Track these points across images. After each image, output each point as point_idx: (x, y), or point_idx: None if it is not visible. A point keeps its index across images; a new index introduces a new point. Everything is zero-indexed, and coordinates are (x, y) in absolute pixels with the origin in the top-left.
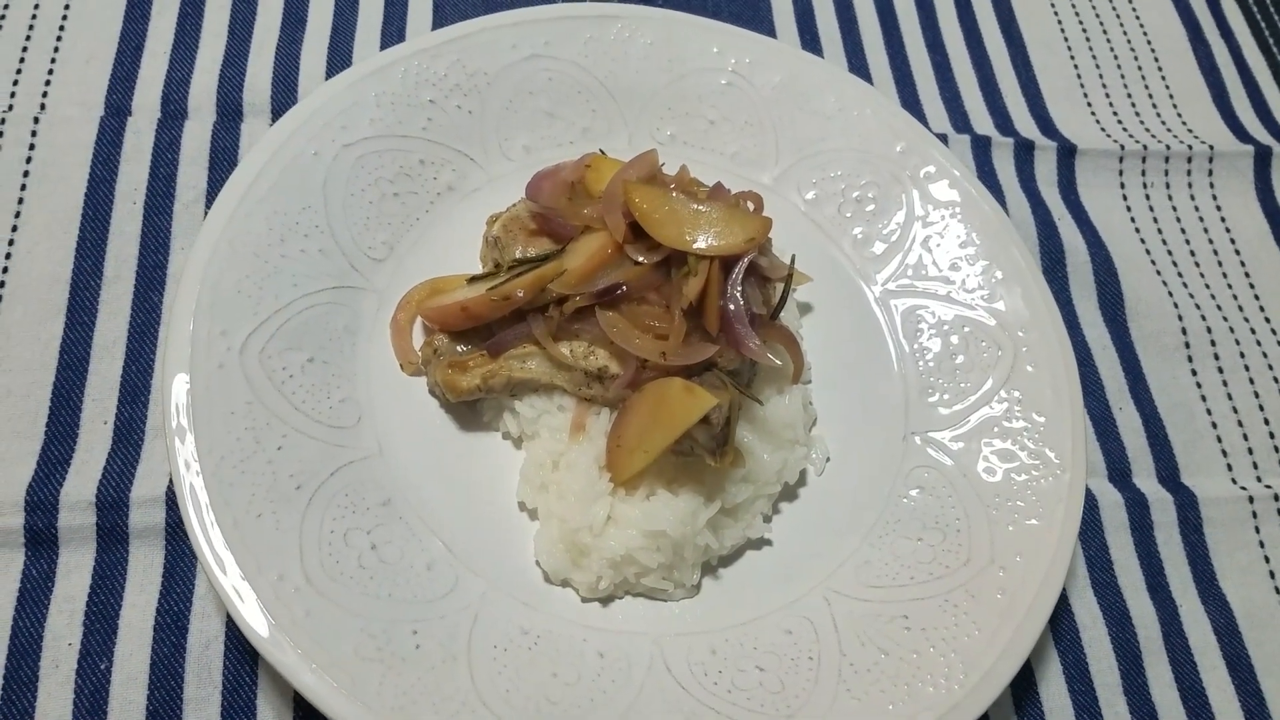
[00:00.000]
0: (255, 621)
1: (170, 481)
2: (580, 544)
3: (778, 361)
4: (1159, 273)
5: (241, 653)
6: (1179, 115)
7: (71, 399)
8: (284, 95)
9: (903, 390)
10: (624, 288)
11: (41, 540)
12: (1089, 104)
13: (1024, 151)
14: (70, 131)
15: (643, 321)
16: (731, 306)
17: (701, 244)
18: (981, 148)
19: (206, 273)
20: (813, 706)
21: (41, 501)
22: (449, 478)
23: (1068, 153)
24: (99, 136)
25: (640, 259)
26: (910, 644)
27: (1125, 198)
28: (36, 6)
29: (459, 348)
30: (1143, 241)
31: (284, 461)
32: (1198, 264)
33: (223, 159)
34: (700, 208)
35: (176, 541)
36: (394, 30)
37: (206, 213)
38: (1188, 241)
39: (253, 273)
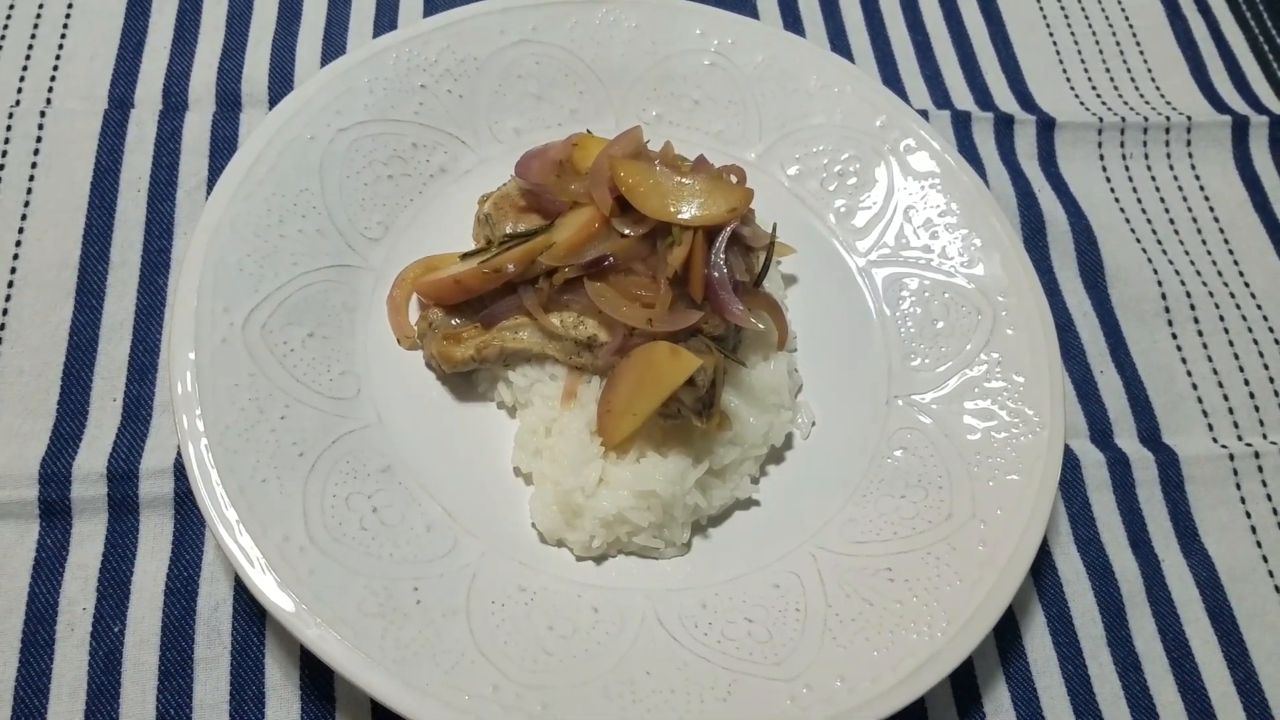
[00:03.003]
0: (262, 580)
1: (178, 453)
2: (573, 505)
3: (760, 326)
4: (1138, 240)
5: (249, 614)
6: (1157, 88)
7: (82, 378)
8: (280, 86)
9: (885, 356)
10: (611, 259)
11: (55, 511)
12: (1068, 79)
13: (1004, 126)
14: (75, 124)
15: (630, 291)
16: (715, 274)
17: (685, 215)
18: (962, 123)
19: (209, 252)
20: (800, 654)
21: (55, 474)
22: (446, 445)
23: (1047, 126)
24: (103, 128)
25: (626, 231)
26: (894, 595)
27: (1105, 169)
28: (41, 6)
29: (453, 321)
30: (1122, 211)
31: (287, 430)
32: (1177, 232)
33: (223, 147)
34: (683, 180)
35: (185, 510)
36: (386, 22)
37: (207, 198)
38: (1167, 210)
39: (253, 252)
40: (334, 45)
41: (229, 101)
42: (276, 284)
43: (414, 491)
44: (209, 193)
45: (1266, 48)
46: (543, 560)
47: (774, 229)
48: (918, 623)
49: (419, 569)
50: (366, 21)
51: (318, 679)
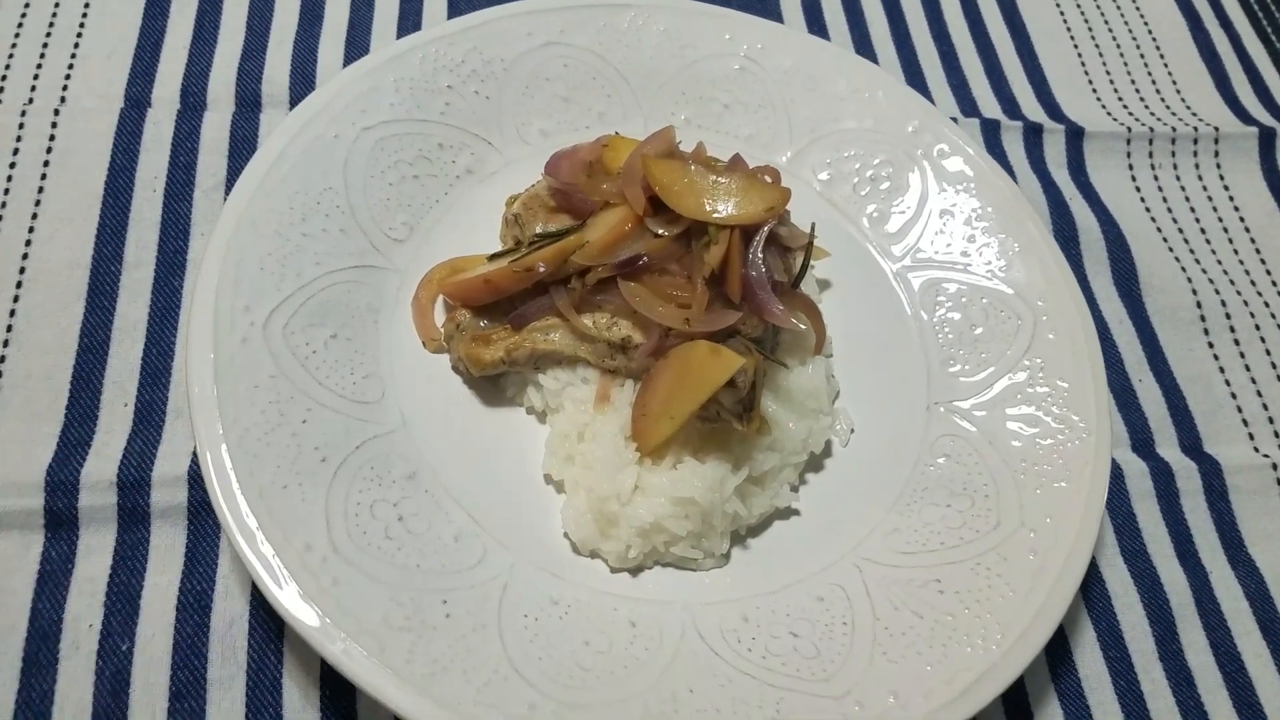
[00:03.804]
0: (283, 592)
1: (192, 462)
2: (608, 514)
3: (801, 326)
4: (1171, 249)
5: (267, 632)
6: (1182, 100)
7: (92, 382)
8: (302, 87)
9: (924, 361)
10: (645, 259)
11: (61, 521)
12: (1094, 90)
13: (1033, 134)
14: (90, 122)
15: (665, 291)
16: (753, 274)
17: (722, 213)
18: (991, 131)
19: (229, 249)
20: (849, 670)
21: (61, 482)
22: (474, 452)
23: (1076, 135)
24: (119, 127)
25: (660, 231)
26: (944, 607)
27: (1134, 179)
28: (57, 4)
29: (481, 323)
30: (1153, 220)
31: (309, 435)
32: (1208, 241)
33: (242, 147)
34: (719, 179)
35: (199, 521)
36: (410, 25)
37: (227, 197)
38: (1198, 220)
39: (275, 250)
40: (357, 48)
41: (249, 102)
42: (299, 284)
43: (441, 500)
44: (227, 193)
45: None
46: (576, 572)
47: (812, 228)
48: (970, 636)
49: (448, 580)
50: (390, 24)
51: (339, 700)
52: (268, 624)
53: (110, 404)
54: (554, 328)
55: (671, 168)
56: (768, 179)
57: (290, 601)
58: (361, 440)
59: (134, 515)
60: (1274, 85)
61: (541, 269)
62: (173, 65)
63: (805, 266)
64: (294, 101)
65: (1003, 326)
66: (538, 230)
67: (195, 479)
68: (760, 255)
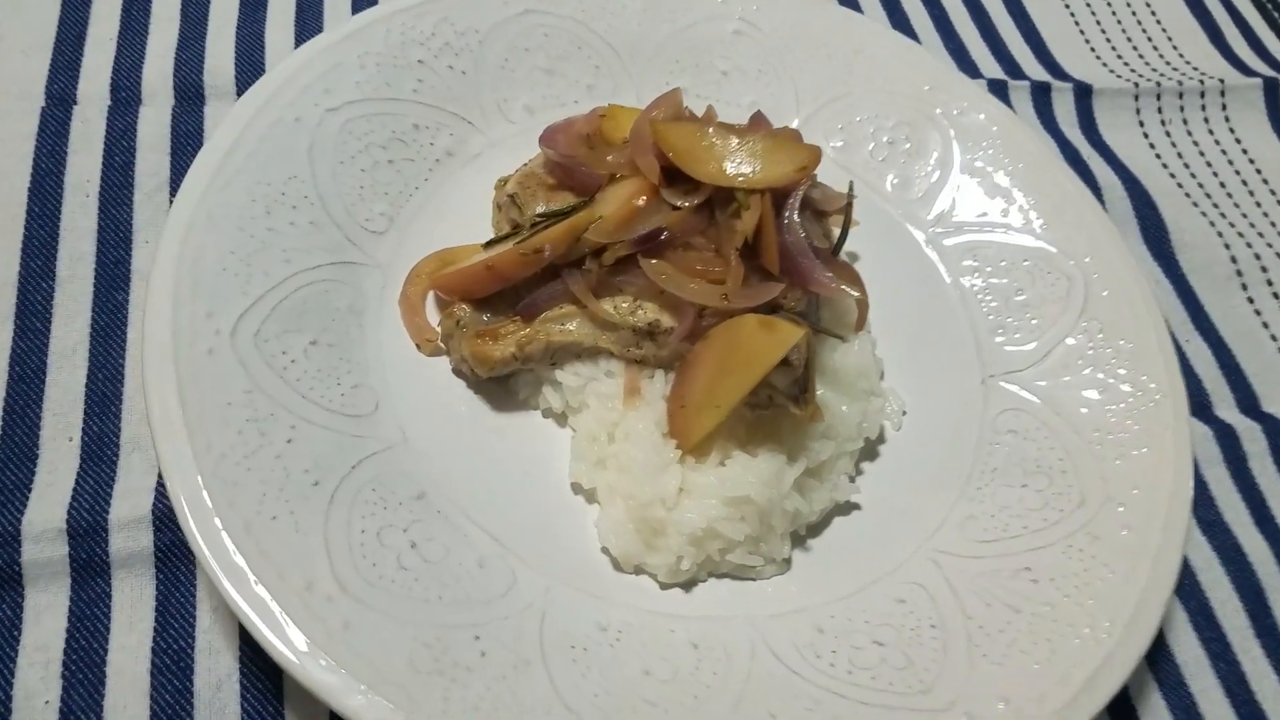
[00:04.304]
0: (285, 639)
1: (156, 498)
2: (652, 522)
3: (856, 293)
4: (1195, 204)
5: (262, 691)
6: (1180, 54)
7: (28, 415)
8: (250, 75)
9: (970, 332)
10: (666, 232)
11: (3, 580)
12: (1091, 48)
13: (1041, 93)
14: (8, 125)
15: (692, 267)
16: (791, 240)
17: (749, 177)
18: (998, 91)
19: (184, 249)
20: (949, 678)
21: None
22: (488, 464)
23: (1084, 92)
24: (42, 128)
25: (679, 202)
26: (1041, 597)
27: (1146, 135)
28: None
29: (484, 317)
30: (1172, 176)
31: (296, 456)
32: (1229, 194)
33: (187, 143)
34: (741, 140)
35: (169, 567)
36: (367, 3)
37: (174, 197)
38: (1215, 174)
39: (237, 248)
40: (308, 29)
41: (190, 94)
42: (268, 284)
43: (456, 520)
44: (174, 195)
45: (1271, 8)
46: (621, 591)
47: (850, 188)
48: (1075, 626)
49: (477, 613)
50: (343, 3)
51: None
52: (263, 682)
53: (52, 439)
54: (570, 316)
55: (687, 131)
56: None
57: (294, 651)
58: (358, 459)
59: (90, 567)
60: (1265, 37)
61: (547, 251)
62: (99, 58)
63: (846, 230)
64: (242, 91)
65: (1051, 289)
66: (540, 210)
67: (162, 519)
68: (796, 219)
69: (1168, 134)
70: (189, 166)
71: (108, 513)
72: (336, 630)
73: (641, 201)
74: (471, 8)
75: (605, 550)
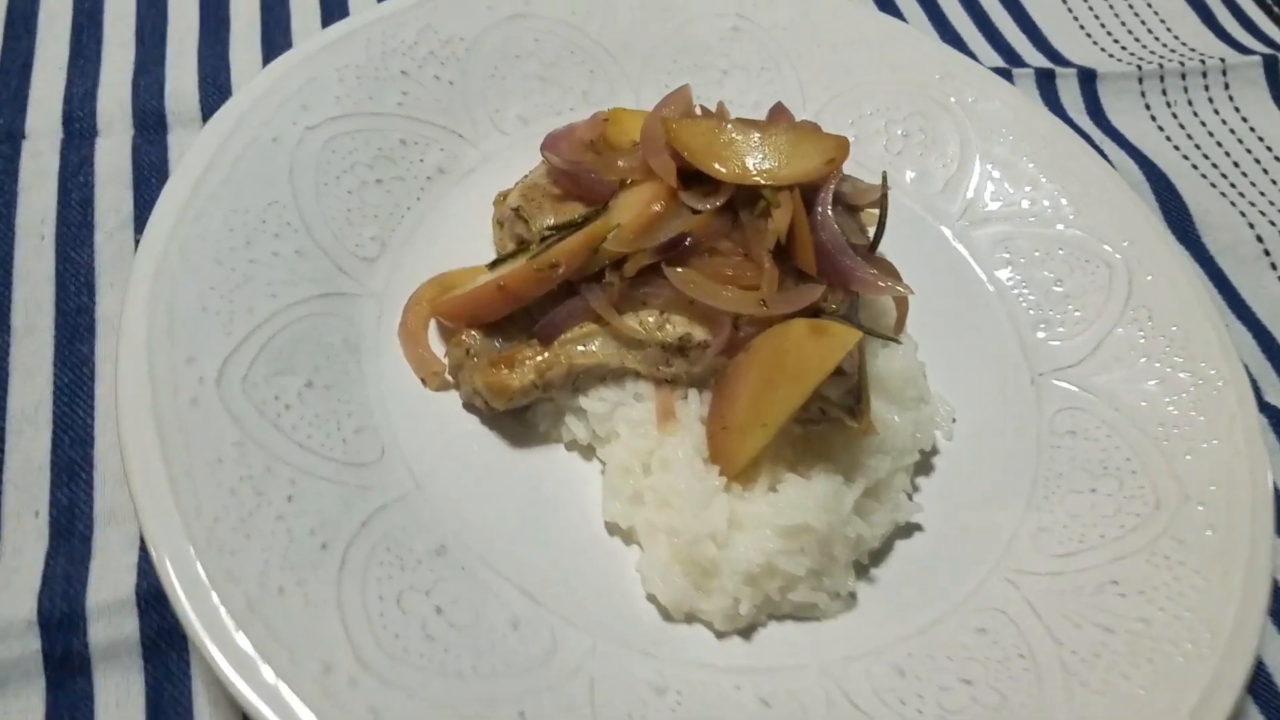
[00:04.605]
0: None
1: (140, 576)
2: (702, 561)
3: (909, 290)
4: (1213, 185)
5: None
6: (1174, 35)
7: None
8: (216, 99)
9: (1012, 329)
10: (690, 238)
11: None
12: (1088, 34)
13: (1046, 80)
14: None
15: (721, 274)
16: (827, 238)
17: (776, 173)
18: (1003, 79)
19: (156, 289)
20: (1048, 713)
21: None
22: (511, 508)
23: (1089, 77)
24: None
25: (700, 205)
26: (1133, 613)
27: (1154, 118)
28: None
29: (497, 343)
30: (1186, 157)
31: (299, 515)
32: (1244, 173)
33: (151, 174)
34: (762, 135)
35: (159, 657)
36: (336, 16)
37: (139, 239)
38: (1228, 153)
39: (217, 284)
40: (276, 47)
41: (151, 123)
42: (254, 323)
43: (483, 576)
44: (139, 231)
45: None
46: (674, 644)
47: (884, 179)
48: (1176, 642)
49: (517, 684)
50: (311, 18)
51: None
52: None
53: (15, 516)
54: (592, 335)
55: (704, 128)
56: None
57: None
58: (368, 514)
59: (68, 663)
60: (1255, 16)
61: (563, 266)
62: (48, 89)
63: (883, 223)
64: (209, 116)
65: (1091, 278)
66: (549, 223)
67: (148, 601)
68: (830, 215)
69: (1174, 115)
70: (155, 199)
71: (84, 597)
72: (362, 718)
73: (659, 206)
74: (456, 14)
75: (651, 598)
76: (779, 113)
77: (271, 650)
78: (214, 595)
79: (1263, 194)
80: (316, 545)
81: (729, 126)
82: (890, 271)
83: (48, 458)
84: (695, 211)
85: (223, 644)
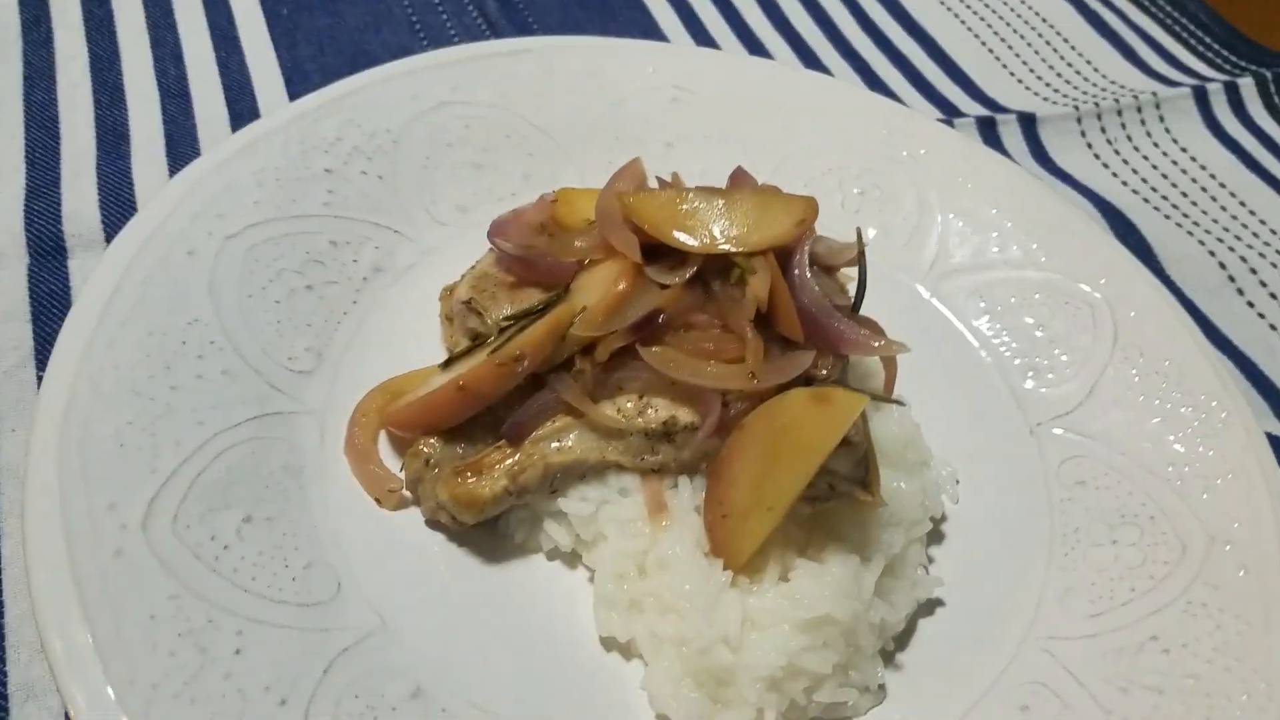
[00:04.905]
0: None
1: None
2: (716, 670)
3: (903, 348)
4: (1166, 216)
5: None
6: (1102, 75)
7: None
8: (120, 218)
9: (1001, 380)
10: (663, 316)
11: None
12: (1017, 79)
13: (987, 128)
14: None
15: (700, 350)
16: (809, 301)
17: (746, 239)
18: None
19: (66, 428)
20: None
21: None
22: (491, 635)
23: (1029, 121)
24: None
25: (668, 281)
26: (1180, 669)
27: (1097, 155)
28: None
29: (459, 449)
30: (1135, 192)
31: (250, 670)
32: (1194, 202)
33: (51, 304)
34: (726, 202)
35: None
36: (246, 119)
37: (42, 375)
38: (1174, 184)
39: (135, 417)
40: (183, 159)
41: (48, 248)
42: (180, 456)
43: (469, 716)
44: (40, 368)
45: (1170, 22)
46: None
47: (859, 235)
48: (1231, 695)
49: None
50: (219, 126)
51: None
52: None
53: None
54: (566, 430)
55: (663, 200)
56: None
57: None
58: (329, 659)
59: None
60: (1173, 49)
61: (528, 358)
62: None
63: (864, 281)
64: (113, 238)
65: (1073, 319)
66: (506, 313)
67: None
68: (810, 277)
69: (1116, 152)
70: (58, 330)
71: None
72: None
73: (625, 285)
74: (378, 107)
75: (663, 718)
76: (740, 177)
77: None
78: None
79: (1215, 221)
80: (274, 702)
81: (690, 195)
82: (877, 330)
83: None
84: (663, 287)
85: None
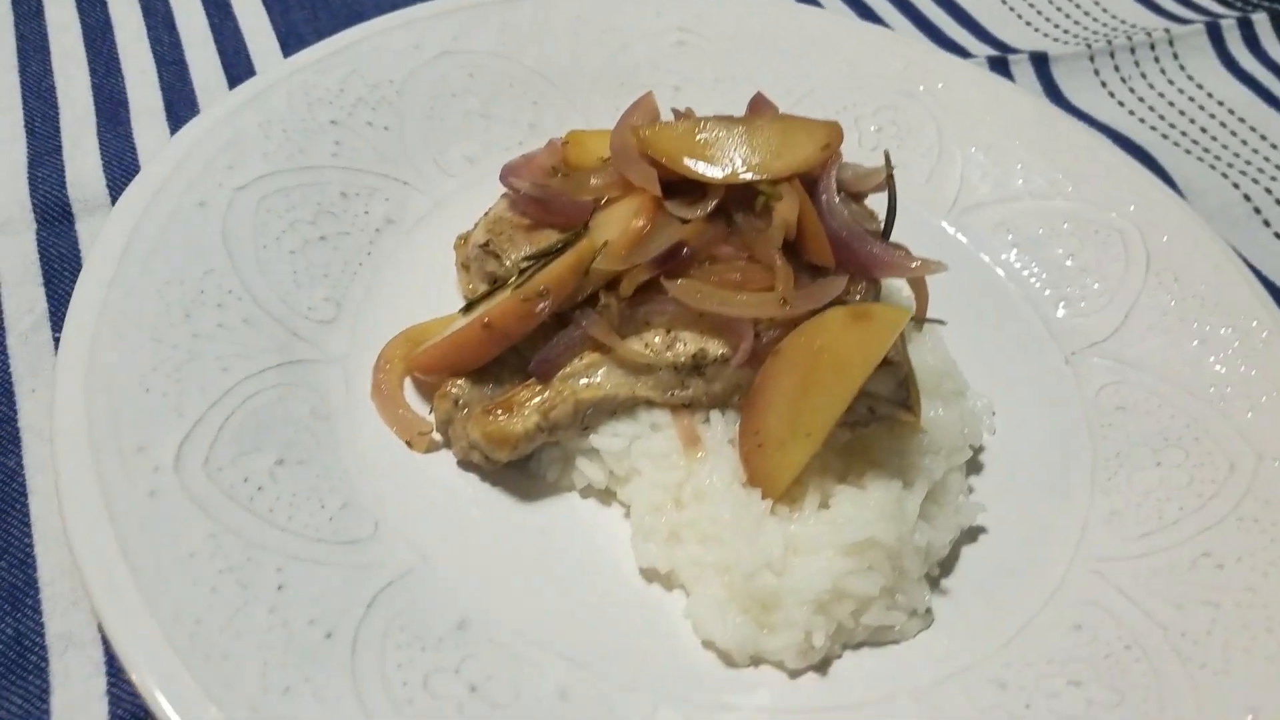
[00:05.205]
0: None
1: (111, 708)
2: (761, 595)
3: (940, 265)
4: (1187, 151)
5: None
6: (1112, 15)
7: None
8: (124, 180)
9: (1033, 311)
10: (687, 249)
11: None
12: (1027, 23)
13: (999, 68)
14: None
15: (727, 281)
16: (839, 225)
17: (772, 166)
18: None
19: (90, 377)
20: (1176, 703)
21: None
22: (532, 571)
23: (1041, 60)
24: None
25: (688, 215)
26: (1236, 583)
27: (1112, 94)
28: None
29: (487, 389)
30: (1153, 128)
31: (293, 605)
32: (1214, 137)
33: (63, 267)
34: (746, 130)
35: None
36: (244, 79)
37: (60, 338)
38: (1192, 120)
39: (159, 364)
40: (182, 119)
41: (55, 214)
42: (207, 401)
43: (516, 648)
44: (55, 330)
45: None
46: (744, 692)
47: (887, 158)
48: None
49: None
50: (217, 90)
51: None
52: None
53: None
54: (595, 366)
55: (680, 131)
56: None
57: None
58: (372, 594)
59: None
60: None
61: (552, 293)
62: None
63: (893, 206)
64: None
65: (1104, 248)
66: (526, 253)
67: None
68: (838, 202)
69: (1131, 90)
70: (71, 292)
71: None
72: None
73: (644, 221)
74: (380, 57)
75: (708, 644)
76: (759, 104)
77: None
78: (212, 709)
79: (1236, 154)
80: (320, 635)
81: (708, 125)
82: (909, 254)
83: None
84: (684, 221)
85: None
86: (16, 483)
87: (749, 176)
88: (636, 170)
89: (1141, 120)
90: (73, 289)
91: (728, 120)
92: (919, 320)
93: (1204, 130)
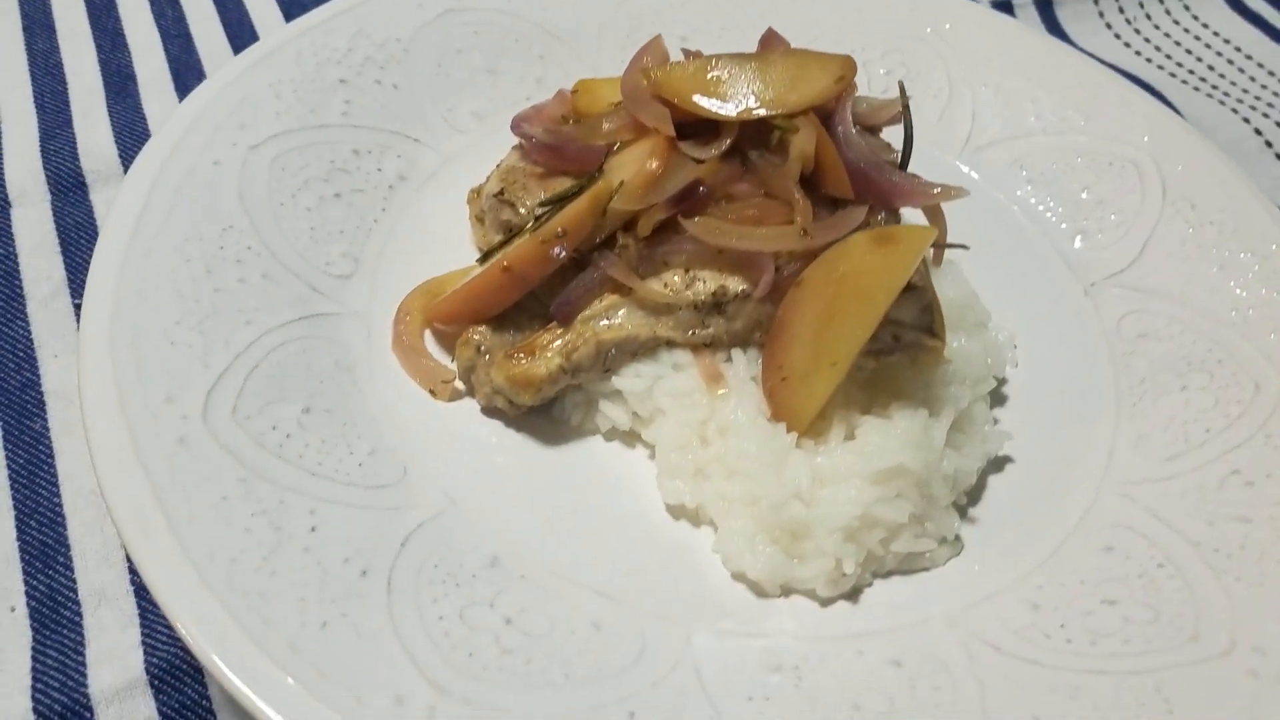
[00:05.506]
0: None
1: (146, 656)
2: (791, 525)
3: (966, 191)
4: (1195, 89)
5: None
6: None
7: None
8: (136, 149)
9: (1049, 244)
10: (704, 187)
11: None
12: None
13: (1005, 10)
14: None
15: (745, 218)
16: (857, 156)
17: (786, 100)
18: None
19: (116, 331)
20: (1211, 616)
21: None
22: (560, 511)
23: (1045, 5)
24: None
25: (703, 155)
26: (1266, 498)
27: (1118, 35)
28: None
29: (508, 335)
30: (1160, 68)
31: (327, 545)
32: (1222, 74)
33: (79, 235)
34: (757, 66)
35: None
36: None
37: (79, 305)
38: (1199, 59)
39: (183, 317)
40: (191, 90)
41: (69, 184)
42: (232, 353)
43: (547, 583)
44: (75, 296)
45: None
46: (776, 620)
47: (901, 89)
48: None
49: (618, 684)
50: (223, 56)
51: None
52: None
53: None
54: (615, 307)
55: (692, 71)
56: None
57: None
58: (405, 534)
59: None
60: None
61: (570, 235)
62: None
63: (910, 137)
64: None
65: (1119, 179)
66: (541, 199)
67: (162, 677)
68: (855, 134)
69: (1137, 31)
70: (89, 260)
71: (86, 686)
72: None
73: (658, 162)
74: (385, 16)
75: (739, 576)
76: (771, 39)
77: (330, 692)
78: (251, 645)
79: (1246, 91)
80: (355, 573)
81: (719, 62)
82: (928, 183)
83: (14, 546)
84: (700, 162)
85: (273, 696)
86: (43, 445)
87: (763, 112)
88: (649, 111)
89: (1149, 60)
90: (90, 256)
91: (739, 57)
92: (939, 248)
93: (1211, 68)
